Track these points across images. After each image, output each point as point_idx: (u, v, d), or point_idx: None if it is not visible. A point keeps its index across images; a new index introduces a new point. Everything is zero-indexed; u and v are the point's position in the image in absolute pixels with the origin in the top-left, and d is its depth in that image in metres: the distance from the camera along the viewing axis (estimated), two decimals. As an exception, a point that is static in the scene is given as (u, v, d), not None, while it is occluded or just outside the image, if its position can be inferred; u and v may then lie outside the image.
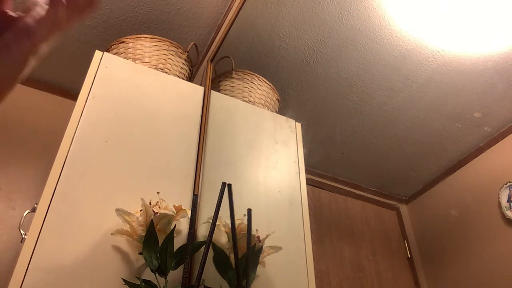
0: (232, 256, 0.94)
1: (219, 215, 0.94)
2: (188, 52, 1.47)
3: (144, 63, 1.35)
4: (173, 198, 1.06)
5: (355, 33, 1.36)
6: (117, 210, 0.91)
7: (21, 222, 1.16)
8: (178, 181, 1.12)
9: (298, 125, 1.41)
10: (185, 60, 1.46)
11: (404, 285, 1.25)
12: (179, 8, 1.69)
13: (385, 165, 1.47)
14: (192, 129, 1.25)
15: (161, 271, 0.89)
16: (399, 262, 1.30)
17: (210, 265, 0.93)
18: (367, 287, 1.24)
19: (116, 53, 1.38)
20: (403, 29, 1.28)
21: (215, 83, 1.49)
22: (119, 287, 0.89)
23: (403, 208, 1.41)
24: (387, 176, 1.47)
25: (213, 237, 0.93)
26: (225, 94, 1.45)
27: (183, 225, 1.03)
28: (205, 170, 1.19)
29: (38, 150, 1.81)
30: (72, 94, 2.00)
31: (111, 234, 0.92)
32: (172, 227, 0.95)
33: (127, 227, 0.92)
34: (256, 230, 0.98)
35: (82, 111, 1.10)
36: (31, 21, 0.39)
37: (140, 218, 0.92)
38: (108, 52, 1.38)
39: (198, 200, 1.11)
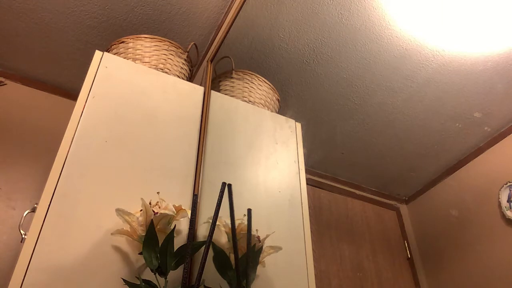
0: (232, 256, 0.94)
1: (219, 215, 0.94)
2: (188, 52, 1.47)
3: (144, 63, 1.35)
4: (173, 198, 1.06)
5: (355, 33, 1.36)
6: (117, 210, 0.91)
7: (21, 222, 1.17)
8: (178, 181, 1.12)
9: (298, 125, 1.41)
10: (185, 60, 1.46)
11: (404, 285, 1.25)
12: (179, 8, 1.69)
13: (385, 165, 1.46)
14: (192, 129, 1.25)
15: (161, 271, 0.89)
16: (399, 262, 1.30)
17: (210, 265, 0.93)
18: (367, 287, 1.24)
19: (116, 53, 1.38)
20: (403, 29, 1.28)
21: (215, 83, 1.49)
22: (119, 287, 0.89)
23: (403, 208, 1.41)
24: (387, 176, 1.47)
25: (213, 237, 0.93)
26: (225, 94, 1.45)
27: (183, 225, 1.03)
28: (205, 170, 1.19)
29: (38, 150, 1.81)
30: (72, 94, 2.01)
31: (111, 234, 0.92)
32: (172, 227, 0.95)
33: (127, 227, 0.92)
34: (256, 230, 0.98)
35: (82, 111, 1.10)
36: None
37: (140, 218, 0.92)
38: (108, 52, 1.38)
39: (198, 200, 1.11)
